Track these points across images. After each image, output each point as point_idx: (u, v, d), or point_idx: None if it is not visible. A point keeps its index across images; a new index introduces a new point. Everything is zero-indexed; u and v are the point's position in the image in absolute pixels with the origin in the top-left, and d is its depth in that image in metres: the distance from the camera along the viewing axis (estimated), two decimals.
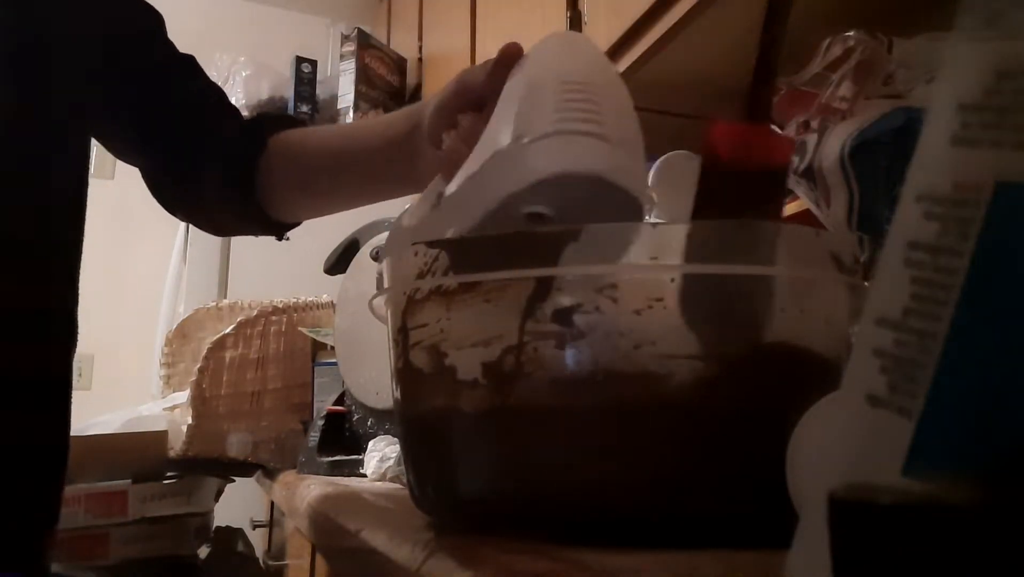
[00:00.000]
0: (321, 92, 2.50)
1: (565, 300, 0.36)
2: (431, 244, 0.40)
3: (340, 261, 1.12)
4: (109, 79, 0.69)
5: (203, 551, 1.39)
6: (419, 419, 0.43)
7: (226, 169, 0.71)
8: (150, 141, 0.73)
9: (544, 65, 0.50)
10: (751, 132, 0.43)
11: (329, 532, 0.59)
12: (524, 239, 0.38)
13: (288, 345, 1.34)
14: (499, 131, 0.47)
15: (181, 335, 1.54)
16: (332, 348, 1.22)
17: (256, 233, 0.76)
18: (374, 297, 0.45)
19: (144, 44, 0.73)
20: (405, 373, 0.43)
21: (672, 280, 0.36)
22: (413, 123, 0.63)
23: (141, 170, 0.76)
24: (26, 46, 0.58)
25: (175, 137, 0.73)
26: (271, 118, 0.75)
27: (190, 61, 0.76)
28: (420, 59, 2.46)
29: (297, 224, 0.77)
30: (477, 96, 0.56)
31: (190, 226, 2.49)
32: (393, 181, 0.68)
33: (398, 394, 0.44)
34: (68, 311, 0.62)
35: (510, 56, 0.52)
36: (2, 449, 0.54)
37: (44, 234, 0.60)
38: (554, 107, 0.45)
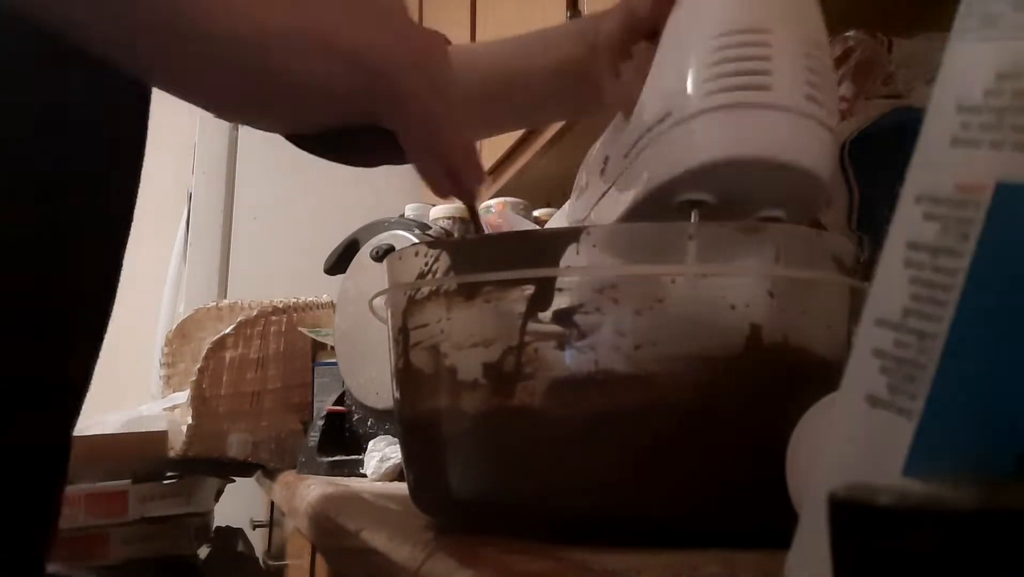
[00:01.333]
0: None
1: (566, 301, 0.36)
2: (431, 244, 0.40)
3: (340, 261, 1.12)
4: None
5: (203, 551, 1.39)
6: (419, 419, 0.43)
7: None
8: None
9: (699, 9, 0.40)
10: None
11: (329, 532, 0.59)
12: (524, 239, 0.38)
13: (288, 345, 1.34)
14: (647, 100, 0.40)
15: (181, 335, 1.54)
16: (332, 348, 1.22)
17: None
18: (374, 297, 0.45)
19: None
20: (405, 373, 0.43)
21: (673, 281, 0.36)
22: (586, 45, 0.56)
23: None
24: None
25: None
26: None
27: None
28: None
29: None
30: (646, 25, 0.48)
31: (190, 226, 2.50)
32: (567, 106, 0.63)
33: (398, 394, 0.44)
34: (103, 310, 0.61)
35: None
36: (9, 448, 0.54)
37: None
38: (707, 72, 0.37)
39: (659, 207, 0.40)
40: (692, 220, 0.39)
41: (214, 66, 0.43)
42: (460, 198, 0.50)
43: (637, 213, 0.41)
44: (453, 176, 0.47)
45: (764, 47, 0.36)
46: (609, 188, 0.44)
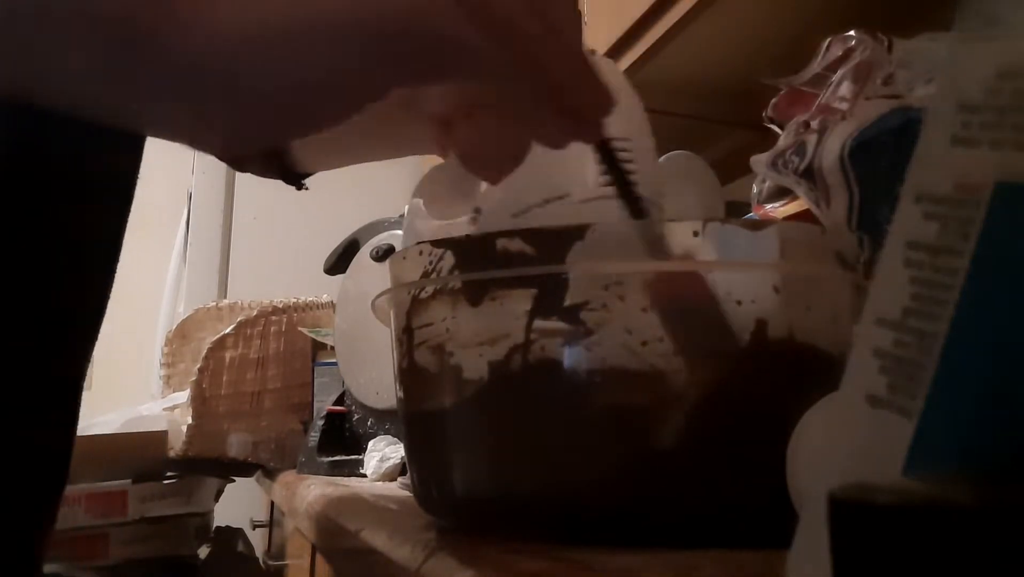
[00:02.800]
0: None
1: (572, 298, 0.36)
2: (436, 243, 0.40)
3: (340, 261, 1.12)
4: None
5: (203, 551, 1.40)
6: (424, 418, 0.43)
7: None
8: None
9: None
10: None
11: (329, 532, 0.59)
12: (530, 237, 0.38)
13: (288, 345, 1.34)
14: (545, 176, 0.48)
15: (181, 335, 1.54)
16: (332, 348, 1.22)
17: (274, 177, 0.73)
18: (378, 297, 0.45)
19: None
20: (409, 373, 0.43)
21: None
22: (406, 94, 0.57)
23: None
24: None
25: None
26: None
27: None
28: None
29: (311, 174, 0.74)
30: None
31: (190, 226, 2.50)
32: (385, 139, 0.61)
33: (402, 394, 0.44)
34: (98, 308, 0.61)
35: None
36: (9, 448, 0.53)
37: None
38: (596, 168, 0.45)
39: None
40: None
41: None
42: (584, 138, 0.39)
43: None
44: (570, 110, 0.36)
45: (630, 152, 0.48)
46: None
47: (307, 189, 0.73)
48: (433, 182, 0.59)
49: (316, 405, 1.21)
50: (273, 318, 1.34)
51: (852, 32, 0.61)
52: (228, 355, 1.30)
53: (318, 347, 1.33)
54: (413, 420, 0.44)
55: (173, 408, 1.36)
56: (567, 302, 0.36)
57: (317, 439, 1.06)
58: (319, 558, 1.12)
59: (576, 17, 0.38)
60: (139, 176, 0.60)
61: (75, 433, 0.59)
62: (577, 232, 0.36)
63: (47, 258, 0.53)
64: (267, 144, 0.47)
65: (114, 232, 0.58)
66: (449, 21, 0.34)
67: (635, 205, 0.41)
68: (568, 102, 0.36)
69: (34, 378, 0.55)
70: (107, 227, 0.58)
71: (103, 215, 0.57)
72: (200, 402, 1.26)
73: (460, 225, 0.54)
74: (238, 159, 0.67)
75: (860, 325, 0.21)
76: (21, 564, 0.55)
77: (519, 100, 0.38)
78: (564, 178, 0.49)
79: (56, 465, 0.59)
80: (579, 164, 0.48)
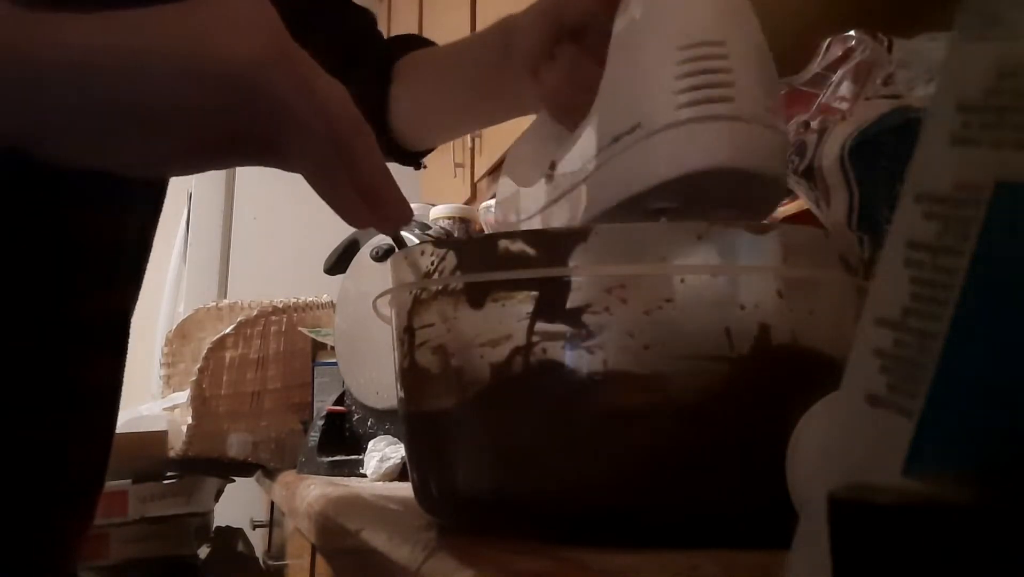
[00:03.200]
0: None
1: (574, 300, 0.36)
2: (438, 243, 0.40)
3: (340, 261, 1.12)
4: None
5: (203, 551, 1.40)
6: (424, 419, 0.43)
7: (358, 103, 0.69)
8: None
9: (660, 11, 0.40)
10: None
11: (329, 532, 0.59)
12: (533, 239, 0.38)
13: (288, 345, 1.34)
14: (614, 108, 0.41)
15: (181, 335, 1.54)
16: (332, 348, 1.22)
17: (394, 161, 0.72)
18: (379, 297, 0.45)
19: None
20: (410, 373, 0.43)
21: (682, 281, 0.36)
22: (499, 53, 0.57)
23: None
24: None
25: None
26: (400, 42, 0.71)
27: None
28: None
29: (431, 150, 0.74)
30: (576, 23, 0.50)
31: (190, 226, 2.50)
32: (492, 101, 0.63)
33: (403, 394, 0.44)
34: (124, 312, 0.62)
35: None
36: (52, 445, 0.53)
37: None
38: (674, 85, 0.38)
39: (625, 212, 0.41)
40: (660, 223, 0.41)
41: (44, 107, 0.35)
42: (382, 229, 0.44)
43: (603, 219, 0.42)
44: (373, 204, 0.40)
45: (723, 59, 0.38)
46: (563, 195, 0.45)
47: (425, 167, 0.74)
48: (518, 149, 0.54)
49: (316, 405, 1.21)
50: (273, 318, 1.34)
51: (852, 32, 0.61)
52: (228, 355, 1.30)
53: (318, 347, 1.33)
54: (414, 420, 0.44)
55: (173, 408, 1.36)
56: (569, 304, 0.36)
57: (317, 439, 1.06)
58: (319, 558, 1.12)
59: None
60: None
61: (113, 432, 0.60)
62: (579, 234, 0.36)
63: (76, 261, 0.54)
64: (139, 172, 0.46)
65: (144, 239, 0.59)
66: (280, 87, 0.36)
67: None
68: (375, 204, 0.40)
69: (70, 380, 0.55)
70: (138, 232, 0.58)
71: (134, 221, 0.58)
72: (200, 402, 1.26)
73: (537, 190, 0.48)
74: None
75: (860, 325, 0.21)
76: (49, 566, 0.55)
77: (336, 187, 0.40)
78: (630, 110, 0.40)
79: (98, 460, 0.59)
80: (652, 80, 0.39)
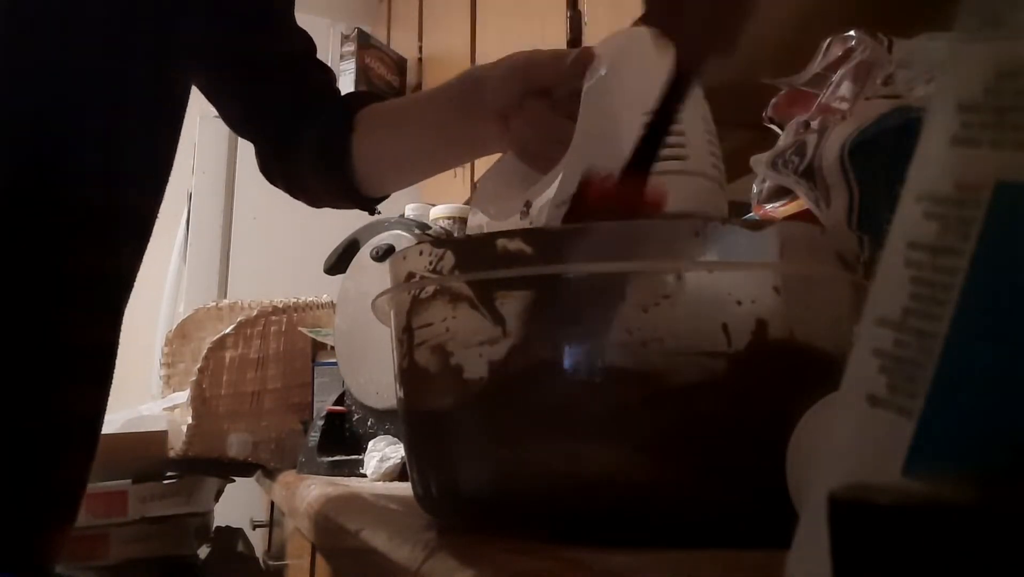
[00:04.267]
0: None
1: (572, 298, 0.36)
2: (436, 243, 0.40)
3: (340, 261, 1.12)
4: (216, 55, 0.71)
5: (203, 551, 1.39)
6: (424, 418, 0.43)
7: (321, 150, 0.73)
8: (254, 119, 0.76)
9: (628, 85, 0.49)
10: (623, 184, 0.43)
11: (329, 532, 0.59)
12: (531, 237, 0.38)
13: (288, 345, 1.34)
14: (589, 159, 0.47)
15: (181, 335, 1.54)
16: (332, 348, 1.22)
17: (349, 207, 0.77)
18: (378, 297, 0.45)
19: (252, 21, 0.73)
20: (410, 373, 0.43)
21: (679, 278, 0.36)
22: (466, 88, 0.63)
23: (254, 145, 0.79)
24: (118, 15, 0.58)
25: (277, 115, 0.74)
26: (358, 96, 0.76)
27: (291, 29, 0.76)
28: (420, 59, 2.47)
29: (386, 197, 0.78)
30: (544, 83, 0.56)
31: (190, 226, 2.50)
32: (457, 146, 0.68)
33: (402, 394, 0.44)
34: (128, 280, 0.63)
35: (588, 58, 0.52)
36: (43, 421, 0.54)
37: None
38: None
39: None
40: None
41: None
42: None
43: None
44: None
45: (679, 124, 0.46)
46: None
47: (379, 214, 0.78)
48: (486, 184, 0.59)
49: (316, 405, 1.21)
50: (273, 318, 1.34)
51: (852, 32, 0.61)
52: (228, 355, 1.30)
53: (318, 347, 1.33)
54: (413, 420, 0.44)
55: (173, 408, 1.36)
56: (567, 302, 0.36)
57: (317, 439, 1.06)
58: (319, 558, 1.12)
59: None
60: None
61: (95, 451, 0.61)
62: (577, 233, 0.36)
63: (62, 293, 0.55)
64: None
65: (128, 273, 0.61)
66: None
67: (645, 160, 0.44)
68: None
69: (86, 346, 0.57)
70: (125, 263, 0.60)
71: (121, 251, 0.60)
72: (200, 402, 1.26)
73: (513, 222, 0.53)
74: (315, 197, 0.73)
75: (860, 325, 0.21)
76: (26, 560, 0.55)
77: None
78: (605, 161, 0.46)
79: (87, 443, 0.60)
80: (616, 148, 0.46)
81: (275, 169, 0.78)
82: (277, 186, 0.80)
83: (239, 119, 0.77)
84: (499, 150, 0.64)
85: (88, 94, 0.57)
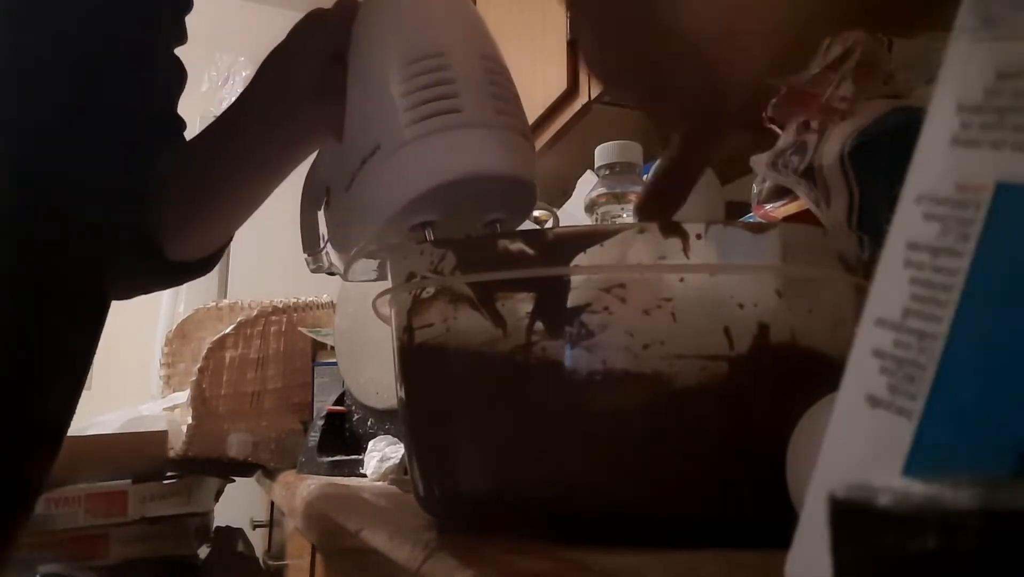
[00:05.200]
0: None
1: (573, 300, 0.36)
2: (437, 243, 0.40)
3: None
4: None
5: (203, 551, 1.39)
6: (424, 419, 0.43)
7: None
8: None
9: (383, 31, 0.41)
10: None
11: (329, 532, 0.59)
12: (532, 239, 0.38)
13: (288, 345, 1.34)
14: (353, 131, 0.41)
15: (181, 335, 1.54)
16: (332, 348, 1.22)
17: (173, 284, 0.68)
18: (378, 296, 0.45)
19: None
20: (410, 373, 0.43)
21: (681, 280, 0.36)
22: (280, 78, 0.53)
23: None
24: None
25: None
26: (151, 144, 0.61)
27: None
28: None
29: (219, 254, 0.68)
30: (334, 48, 0.47)
31: None
32: (279, 148, 0.56)
33: (402, 393, 0.44)
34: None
35: (349, 9, 0.44)
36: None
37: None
38: (402, 103, 0.39)
39: (393, 230, 0.42)
40: (427, 238, 0.41)
41: None
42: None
43: (377, 240, 0.42)
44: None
45: (445, 71, 0.38)
46: (340, 219, 0.45)
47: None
48: (308, 179, 0.52)
49: (316, 405, 1.21)
50: (273, 318, 1.34)
51: (852, 32, 0.61)
52: (228, 355, 1.30)
53: (318, 347, 1.33)
54: (414, 420, 0.44)
55: (173, 408, 1.36)
56: (568, 304, 0.36)
57: (317, 439, 1.06)
58: (319, 558, 1.12)
59: None
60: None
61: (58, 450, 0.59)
62: (584, 238, 0.36)
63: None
64: None
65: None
66: None
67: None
68: None
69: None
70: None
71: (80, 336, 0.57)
72: (200, 402, 1.26)
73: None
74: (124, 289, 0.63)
75: (860, 325, 0.21)
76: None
77: None
78: (369, 132, 0.41)
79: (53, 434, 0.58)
80: (382, 101, 0.40)
81: None
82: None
83: None
84: (319, 144, 0.53)
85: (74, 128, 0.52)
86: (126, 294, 0.65)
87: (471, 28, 0.41)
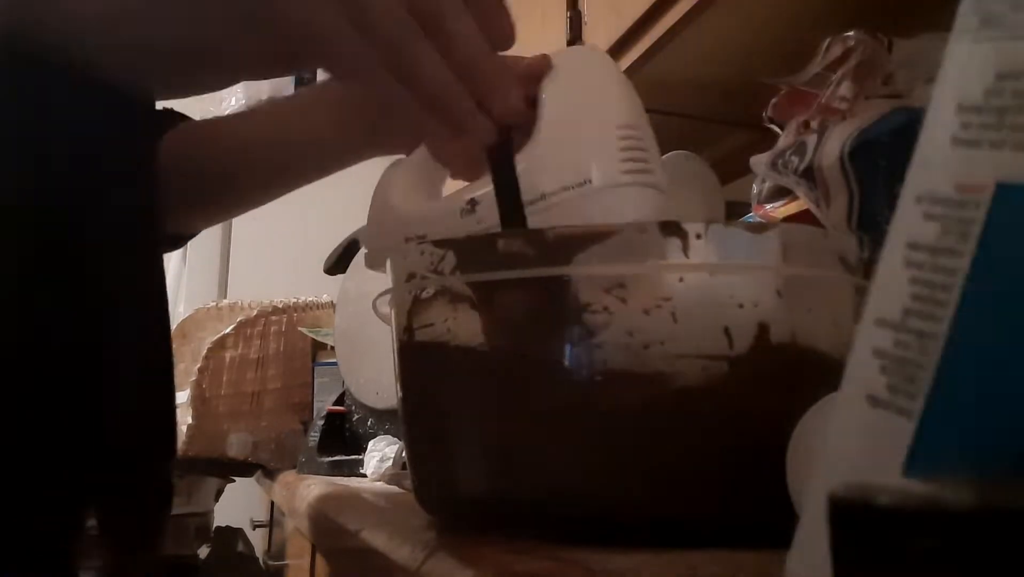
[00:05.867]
0: None
1: (574, 300, 0.36)
2: (438, 243, 0.40)
3: (340, 261, 1.12)
4: None
5: (203, 551, 1.40)
6: (424, 419, 0.43)
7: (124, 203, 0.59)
8: None
9: (591, 97, 0.49)
10: None
11: (329, 532, 0.59)
12: (532, 239, 0.38)
13: (288, 345, 1.34)
14: (558, 162, 0.47)
15: (181, 335, 1.54)
16: (332, 348, 1.22)
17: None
18: (379, 296, 0.45)
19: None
20: (410, 373, 0.43)
21: (681, 280, 0.36)
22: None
23: None
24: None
25: None
26: (154, 118, 0.62)
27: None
28: None
29: (194, 235, 0.68)
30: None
31: None
32: (350, 151, 0.60)
33: (402, 393, 0.44)
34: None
35: (541, 69, 0.49)
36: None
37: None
38: (618, 155, 0.46)
39: None
40: None
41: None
42: (477, 134, 0.41)
43: None
44: (438, 105, 0.38)
45: (642, 140, 0.47)
46: (490, 229, 0.48)
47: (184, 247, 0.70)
48: (393, 179, 0.56)
49: (316, 405, 1.21)
50: (273, 318, 1.34)
51: (852, 32, 0.61)
52: (228, 355, 1.30)
53: (318, 347, 1.33)
54: (414, 420, 0.44)
55: None
56: (569, 304, 0.36)
57: (317, 439, 1.06)
58: (319, 558, 1.12)
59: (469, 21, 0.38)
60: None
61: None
62: (584, 238, 0.36)
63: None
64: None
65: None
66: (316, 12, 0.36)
67: (516, 213, 0.45)
68: (442, 104, 0.38)
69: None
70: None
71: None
72: (200, 402, 1.26)
73: (439, 218, 0.51)
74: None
75: (860, 325, 0.21)
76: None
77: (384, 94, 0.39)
78: (578, 169, 0.46)
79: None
80: (599, 149, 0.46)
81: None
82: None
83: None
84: (382, 152, 0.57)
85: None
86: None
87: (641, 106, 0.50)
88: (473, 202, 0.49)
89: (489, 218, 0.48)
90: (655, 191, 0.47)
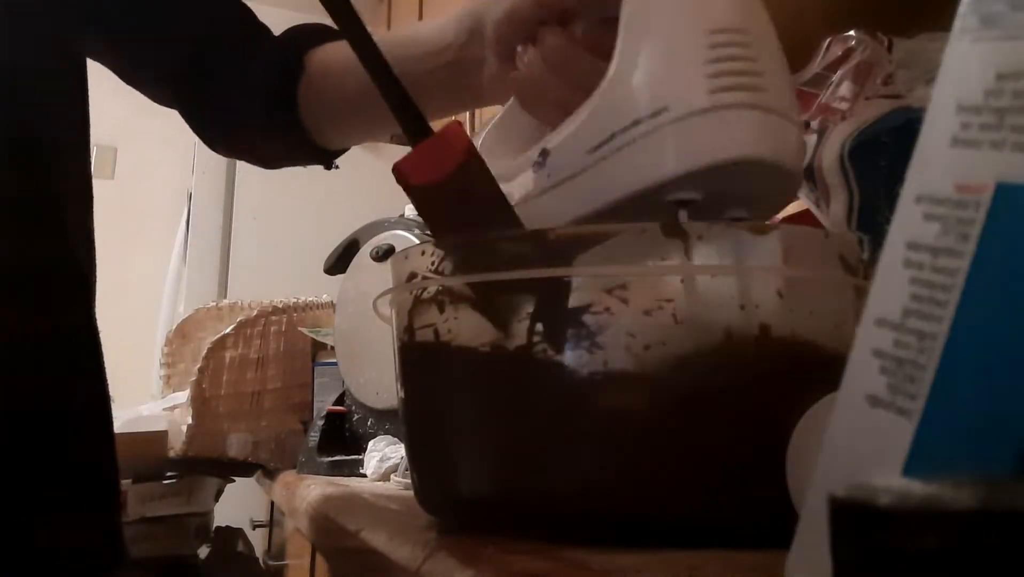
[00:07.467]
0: None
1: (575, 300, 0.36)
2: (438, 244, 0.40)
3: (340, 261, 1.12)
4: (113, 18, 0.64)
5: (203, 551, 1.39)
6: (425, 419, 0.43)
7: (265, 101, 0.64)
8: (177, 80, 0.67)
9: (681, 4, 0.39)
10: (420, 152, 0.41)
11: (329, 532, 0.59)
12: (533, 240, 0.38)
13: (288, 345, 1.34)
14: (630, 91, 0.38)
15: (181, 335, 1.54)
16: (332, 348, 1.22)
17: (304, 163, 0.69)
18: (379, 297, 0.45)
19: None
20: (411, 373, 0.43)
21: (682, 281, 0.36)
22: (469, 28, 0.52)
23: (179, 111, 0.69)
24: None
25: (203, 71, 0.65)
26: (306, 33, 0.65)
27: None
28: None
29: (346, 150, 0.69)
30: (564, 6, 0.45)
31: (190, 226, 2.50)
32: (448, 97, 0.58)
33: (403, 394, 0.44)
34: (79, 264, 0.62)
35: None
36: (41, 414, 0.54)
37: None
38: (705, 69, 0.36)
39: (636, 205, 0.38)
40: (681, 219, 0.38)
41: None
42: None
43: (608, 213, 0.39)
44: None
45: (749, 48, 0.36)
46: (558, 183, 0.42)
47: (337, 168, 0.71)
48: (489, 142, 0.50)
49: (316, 405, 1.21)
50: (273, 318, 1.34)
51: (852, 32, 0.61)
52: (228, 355, 1.30)
53: (318, 347, 1.33)
54: (414, 420, 0.44)
55: (173, 408, 1.36)
56: (570, 305, 0.36)
57: (317, 439, 1.06)
58: (319, 558, 1.12)
59: None
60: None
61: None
62: (585, 239, 0.36)
63: None
64: None
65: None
66: None
67: (413, 122, 0.41)
68: None
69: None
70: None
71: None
72: (200, 402, 1.26)
73: (515, 175, 0.45)
74: (263, 157, 0.68)
75: (860, 325, 0.21)
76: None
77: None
78: (654, 93, 0.37)
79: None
80: (681, 63, 0.37)
81: (211, 128, 0.68)
82: (218, 151, 0.71)
83: (159, 86, 0.68)
84: (494, 101, 0.54)
85: None
86: (270, 164, 0.70)
87: (765, 15, 0.39)
88: (544, 153, 0.42)
89: (559, 172, 0.41)
90: (762, 113, 0.36)
